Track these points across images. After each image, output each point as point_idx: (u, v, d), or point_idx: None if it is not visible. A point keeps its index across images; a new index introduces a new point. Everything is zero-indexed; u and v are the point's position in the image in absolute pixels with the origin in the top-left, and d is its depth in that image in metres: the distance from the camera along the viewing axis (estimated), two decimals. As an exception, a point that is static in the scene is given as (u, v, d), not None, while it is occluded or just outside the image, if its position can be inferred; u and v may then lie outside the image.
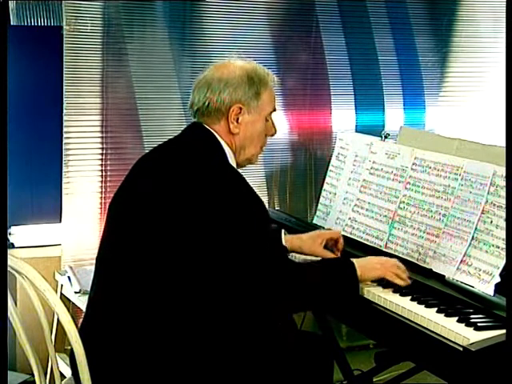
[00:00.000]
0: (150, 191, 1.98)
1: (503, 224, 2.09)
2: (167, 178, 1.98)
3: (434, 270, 2.24)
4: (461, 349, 1.81)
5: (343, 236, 2.54)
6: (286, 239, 2.38)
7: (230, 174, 2.00)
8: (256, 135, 2.13)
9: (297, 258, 2.38)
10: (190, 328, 1.90)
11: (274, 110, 2.18)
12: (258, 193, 2.02)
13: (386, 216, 2.45)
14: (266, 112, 2.14)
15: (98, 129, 3.30)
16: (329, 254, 2.35)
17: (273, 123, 2.18)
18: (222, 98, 2.06)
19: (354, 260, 2.10)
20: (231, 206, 1.92)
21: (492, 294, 2.06)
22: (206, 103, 2.07)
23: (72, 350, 1.96)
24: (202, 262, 1.88)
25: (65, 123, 3.23)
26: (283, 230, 2.42)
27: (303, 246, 2.37)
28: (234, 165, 2.11)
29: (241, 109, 2.07)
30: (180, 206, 1.91)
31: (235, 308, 1.92)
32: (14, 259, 1.90)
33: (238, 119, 2.08)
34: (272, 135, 2.20)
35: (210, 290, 1.89)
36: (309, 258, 2.36)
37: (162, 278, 1.90)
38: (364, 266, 2.10)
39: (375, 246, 2.45)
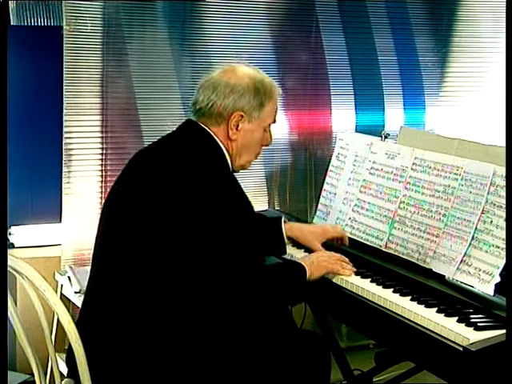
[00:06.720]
0: (145, 188, 2.00)
1: (503, 224, 2.09)
2: (164, 175, 2.00)
3: (434, 270, 2.24)
4: (461, 349, 1.82)
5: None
6: (286, 227, 2.41)
7: (225, 178, 2.03)
8: (253, 144, 2.14)
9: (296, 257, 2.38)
10: (179, 322, 1.93)
11: (274, 121, 2.19)
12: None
13: (385, 216, 2.45)
14: (266, 123, 2.15)
15: (98, 129, 3.30)
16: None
17: (270, 134, 2.20)
18: (225, 103, 2.06)
19: (303, 261, 2.17)
20: (217, 207, 1.94)
21: (492, 294, 2.06)
22: (210, 105, 2.07)
23: (69, 350, 1.97)
24: (184, 259, 1.92)
25: (65, 123, 3.23)
26: (283, 218, 2.45)
27: (300, 238, 2.41)
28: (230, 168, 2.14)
29: (242, 116, 2.08)
30: (172, 204, 1.94)
31: (214, 303, 1.95)
32: (14, 259, 1.90)
33: (237, 126, 2.08)
34: (267, 145, 2.22)
35: (192, 285, 1.92)
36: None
37: (152, 273, 1.93)
38: (313, 265, 2.17)
39: (375, 245, 2.45)
